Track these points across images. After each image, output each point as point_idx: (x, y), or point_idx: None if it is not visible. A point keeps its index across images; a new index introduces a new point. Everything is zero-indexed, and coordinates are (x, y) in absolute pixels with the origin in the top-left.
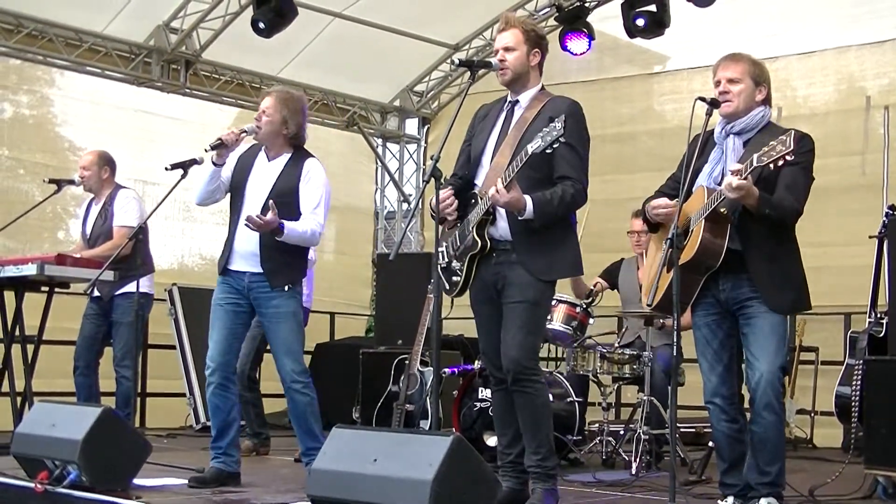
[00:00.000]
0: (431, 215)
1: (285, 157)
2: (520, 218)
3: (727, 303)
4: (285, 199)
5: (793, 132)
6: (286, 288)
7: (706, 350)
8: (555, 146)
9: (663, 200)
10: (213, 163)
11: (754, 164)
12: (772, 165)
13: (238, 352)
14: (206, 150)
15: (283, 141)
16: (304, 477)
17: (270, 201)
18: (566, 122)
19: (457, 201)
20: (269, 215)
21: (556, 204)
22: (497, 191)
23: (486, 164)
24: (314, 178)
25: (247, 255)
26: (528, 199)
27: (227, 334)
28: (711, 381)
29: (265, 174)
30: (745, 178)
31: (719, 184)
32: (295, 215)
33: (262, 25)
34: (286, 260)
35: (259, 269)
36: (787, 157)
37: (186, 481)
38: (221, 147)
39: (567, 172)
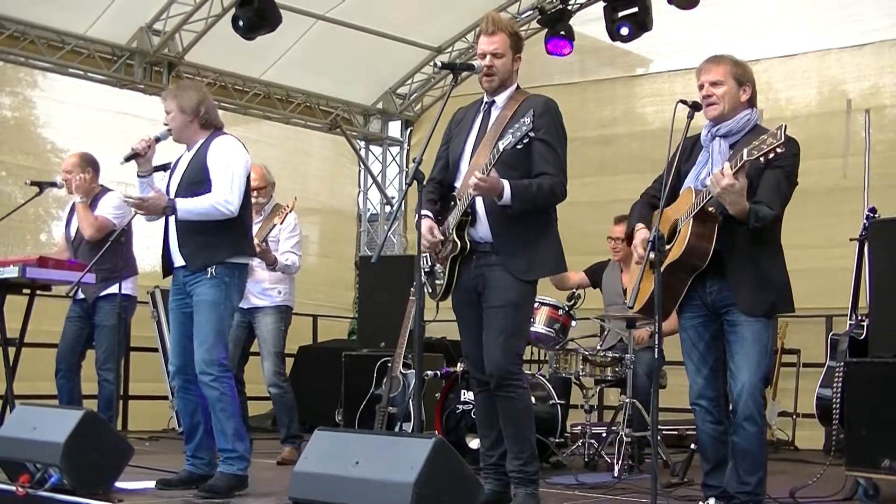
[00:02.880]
0: (416, 226)
1: (199, 143)
2: (499, 203)
3: (714, 305)
4: (196, 179)
5: (784, 125)
6: (209, 274)
7: (692, 352)
8: (525, 141)
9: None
10: (139, 175)
11: (744, 157)
12: (762, 159)
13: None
14: (120, 164)
15: (194, 129)
16: (287, 480)
17: (147, 185)
18: (541, 120)
19: (439, 238)
20: (151, 194)
21: (535, 191)
22: (477, 178)
23: (465, 165)
24: (217, 151)
25: (176, 249)
26: (505, 183)
27: (180, 337)
28: (697, 383)
29: (182, 167)
30: (735, 176)
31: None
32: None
33: (241, 24)
34: (203, 241)
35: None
36: (778, 150)
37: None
38: (136, 157)
39: (545, 169)
